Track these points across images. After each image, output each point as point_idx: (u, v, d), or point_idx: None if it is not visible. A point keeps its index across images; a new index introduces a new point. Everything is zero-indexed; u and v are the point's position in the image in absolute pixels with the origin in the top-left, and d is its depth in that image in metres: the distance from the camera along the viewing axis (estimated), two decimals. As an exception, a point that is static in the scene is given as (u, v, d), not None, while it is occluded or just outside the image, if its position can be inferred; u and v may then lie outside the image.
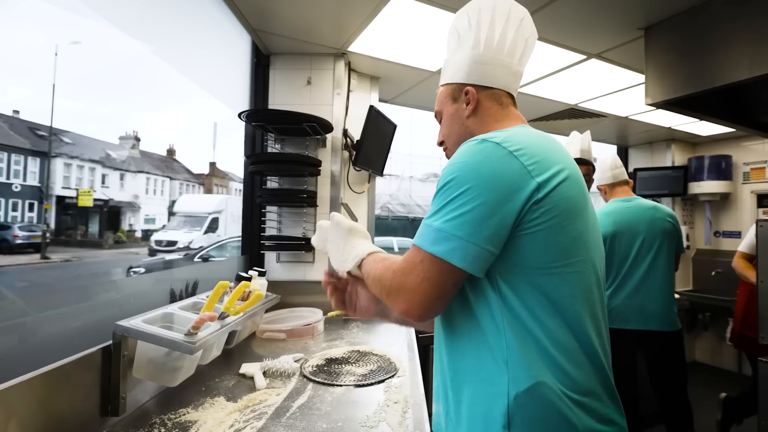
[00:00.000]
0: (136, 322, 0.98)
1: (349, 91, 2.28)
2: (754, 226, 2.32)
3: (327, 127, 2.01)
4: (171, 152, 27.50)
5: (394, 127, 2.46)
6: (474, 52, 0.81)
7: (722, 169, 3.67)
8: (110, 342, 0.97)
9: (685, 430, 1.97)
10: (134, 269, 6.52)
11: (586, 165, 2.15)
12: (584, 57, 2.09)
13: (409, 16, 1.74)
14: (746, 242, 2.40)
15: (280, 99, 2.18)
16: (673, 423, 1.99)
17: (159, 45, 1.78)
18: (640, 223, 2.01)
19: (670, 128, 3.43)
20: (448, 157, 0.89)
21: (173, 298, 1.46)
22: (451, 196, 0.66)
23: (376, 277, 0.74)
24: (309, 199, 2.03)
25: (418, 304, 0.66)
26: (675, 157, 3.84)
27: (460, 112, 0.84)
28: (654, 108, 2.14)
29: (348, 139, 2.23)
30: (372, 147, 2.26)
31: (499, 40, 0.80)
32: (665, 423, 2.02)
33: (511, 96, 0.85)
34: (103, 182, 19.21)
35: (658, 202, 3.94)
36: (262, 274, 1.52)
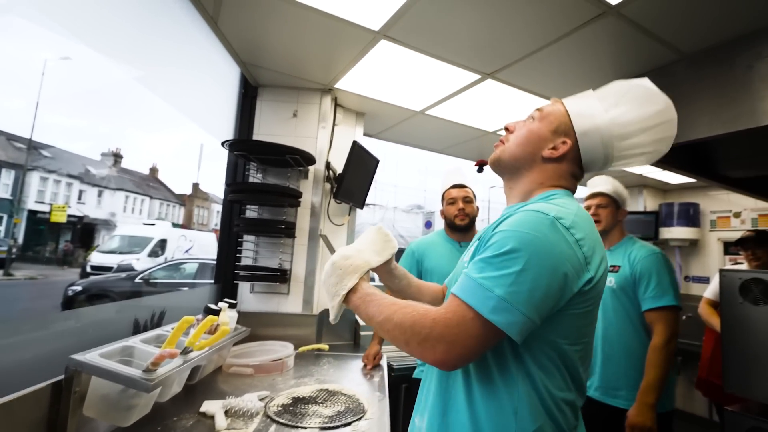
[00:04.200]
0: (91, 356, 0.94)
1: (334, 125, 2.33)
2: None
3: (309, 159, 2.03)
4: (154, 171, 27.17)
5: (376, 162, 2.50)
6: (609, 126, 0.80)
7: (690, 215, 3.83)
8: (62, 377, 0.92)
9: None
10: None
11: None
12: (559, 106, 2.20)
13: (394, 58, 1.82)
14: (711, 289, 2.48)
15: (266, 129, 2.21)
16: None
17: (148, 72, 1.80)
18: None
19: (641, 175, 3.59)
20: (497, 146, 0.91)
21: (137, 328, 1.40)
22: (517, 267, 0.66)
23: (405, 321, 0.71)
24: (287, 230, 2.02)
25: (457, 357, 0.67)
26: (647, 203, 4.00)
27: (545, 144, 0.84)
28: (624, 157, 2.24)
29: (331, 171, 2.26)
30: (354, 180, 2.29)
31: (634, 143, 0.80)
32: None
33: (580, 176, 0.87)
34: (79, 198, 18.71)
35: (631, 245, 4.05)
36: (232, 306, 1.49)
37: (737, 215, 3.66)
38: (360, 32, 1.63)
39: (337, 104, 2.37)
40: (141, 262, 9.91)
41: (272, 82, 2.18)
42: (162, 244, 11.04)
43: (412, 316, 0.70)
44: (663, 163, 1.99)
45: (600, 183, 1.93)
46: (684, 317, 3.76)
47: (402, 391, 2.07)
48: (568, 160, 0.84)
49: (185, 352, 1.11)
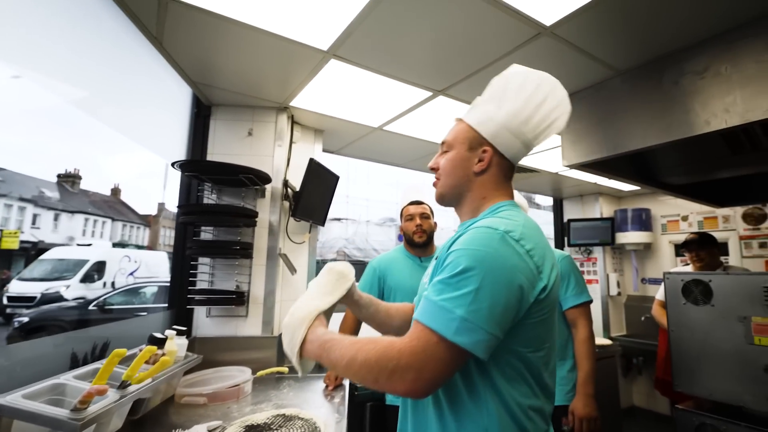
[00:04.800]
0: (12, 398, 0.87)
1: (291, 142, 2.32)
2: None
3: (264, 178, 2.01)
4: (116, 192, 26.08)
5: (336, 178, 2.50)
6: (508, 119, 0.84)
7: (643, 220, 4.02)
8: (-22, 423, 0.85)
9: None
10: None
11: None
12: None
13: (346, 77, 1.84)
14: (662, 290, 2.59)
15: (221, 149, 2.17)
16: None
17: (92, 93, 1.73)
18: None
19: (596, 183, 3.75)
20: (435, 185, 0.94)
21: (75, 363, 1.32)
22: (474, 285, 0.67)
23: (370, 357, 0.69)
24: (243, 251, 1.98)
25: (428, 383, 0.66)
26: (603, 209, 4.17)
27: (470, 163, 0.86)
28: (573, 168, 2.34)
29: (289, 189, 2.23)
30: (313, 198, 2.27)
31: (537, 122, 0.84)
32: None
33: (512, 172, 0.90)
34: (33, 222, 17.66)
35: (590, 251, 4.21)
36: (181, 333, 1.43)
37: (685, 219, 3.87)
38: (310, 52, 1.64)
39: (294, 122, 2.36)
40: (72, 289, 8.49)
41: (225, 101, 2.15)
42: (99, 266, 9.45)
43: (376, 351, 0.69)
44: (608, 173, 2.09)
45: None
46: (643, 318, 3.92)
47: (367, 409, 2.03)
48: (496, 164, 0.87)
49: (123, 386, 1.05)
